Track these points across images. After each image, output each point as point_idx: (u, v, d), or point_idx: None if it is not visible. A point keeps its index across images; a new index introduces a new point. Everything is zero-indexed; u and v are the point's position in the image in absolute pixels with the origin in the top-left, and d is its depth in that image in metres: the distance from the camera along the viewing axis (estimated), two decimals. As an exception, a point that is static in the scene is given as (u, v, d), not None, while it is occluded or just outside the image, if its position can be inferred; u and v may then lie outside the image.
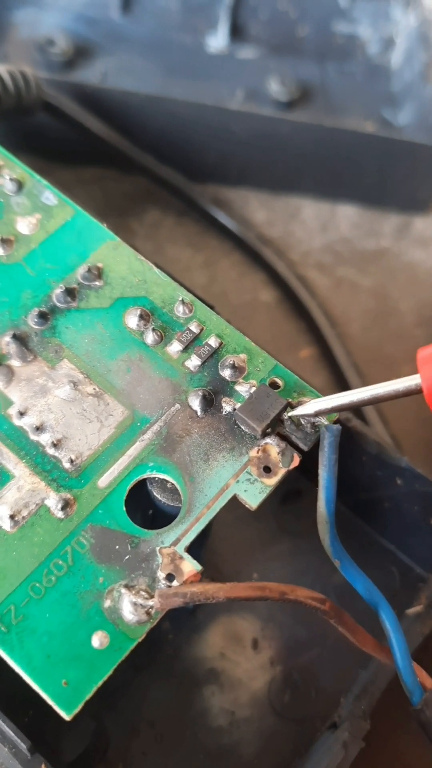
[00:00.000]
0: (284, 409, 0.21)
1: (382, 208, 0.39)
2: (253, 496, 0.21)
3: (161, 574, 0.20)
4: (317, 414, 0.21)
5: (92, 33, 0.39)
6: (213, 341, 0.23)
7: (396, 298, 0.37)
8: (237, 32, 0.40)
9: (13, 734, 0.20)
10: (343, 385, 0.33)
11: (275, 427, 0.21)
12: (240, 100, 0.37)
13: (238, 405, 0.22)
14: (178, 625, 0.26)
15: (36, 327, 0.23)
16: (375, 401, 0.21)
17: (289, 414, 0.22)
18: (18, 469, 0.21)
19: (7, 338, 0.22)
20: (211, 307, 0.24)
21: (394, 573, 0.28)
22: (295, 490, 0.28)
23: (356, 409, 0.30)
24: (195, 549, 0.21)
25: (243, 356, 0.23)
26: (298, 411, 0.21)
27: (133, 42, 0.39)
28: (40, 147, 0.37)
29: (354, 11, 0.41)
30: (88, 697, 0.19)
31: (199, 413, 0.22)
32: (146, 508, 0.22)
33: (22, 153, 0.28)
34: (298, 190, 0.39)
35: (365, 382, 0.33)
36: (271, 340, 0.34)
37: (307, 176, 0.39)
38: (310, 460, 0.21)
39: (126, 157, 0.36)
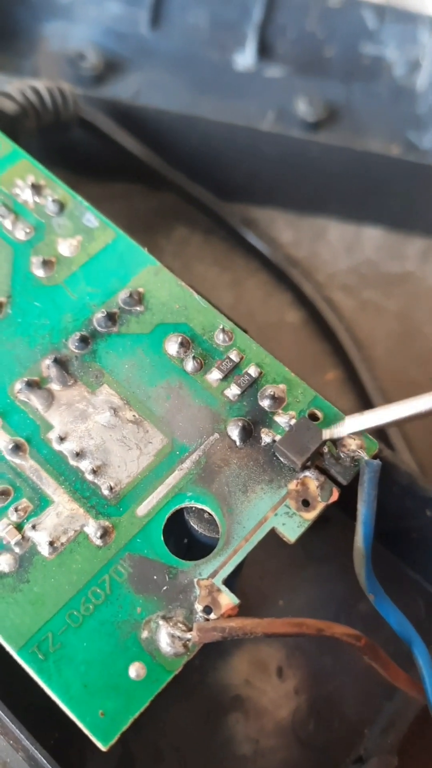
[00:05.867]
0: (324, 443, 0.21)
1: (407, 232, 0.40)
2: (292, 529, 0.21)
3: (199, 607, 0.20)
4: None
5: (122, 48, 0.39)
6: (253, 371, 0.23)
7: (420, 322, 0.37)
8: (265, 51, 0.40)
9: (45, 762, 0.20)
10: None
11: (314, 460, 0.21)
12: (270, 121, 0.37)
13: (278, 437, 0.22)
14: (205, 650, 0.26)
15: (77, 351, 0.23)
16: (414, 418, 0.20)
17: (325, 438, 0.21)
18: (57, 494, 0.21)
19: (48, 361, 0.22)
20: (245, 331, 0.24)
21: (419, 603, 0.27)
22: (323, 517, 0.28)
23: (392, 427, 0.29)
24: (230, 580, 0.21)
25: (282, 386, 0.23)
26: (334, 433, 0.21)
27: (161, 57, 0.39)
28: (69, 161, 0.37)
29: (381, 33, 0.41)
30: (124, 728, 0.19)
31: (238, 443, 0.22)
32: (181, 537, 0.22)
33: (51, 167, 0.28)
34: (324, 211, 0.39)
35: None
36: (297, 361, 0.34)
37: (333, 198, 0.39)
38: (341, 489, 0.21)
39: (158, 174, 0.36)
